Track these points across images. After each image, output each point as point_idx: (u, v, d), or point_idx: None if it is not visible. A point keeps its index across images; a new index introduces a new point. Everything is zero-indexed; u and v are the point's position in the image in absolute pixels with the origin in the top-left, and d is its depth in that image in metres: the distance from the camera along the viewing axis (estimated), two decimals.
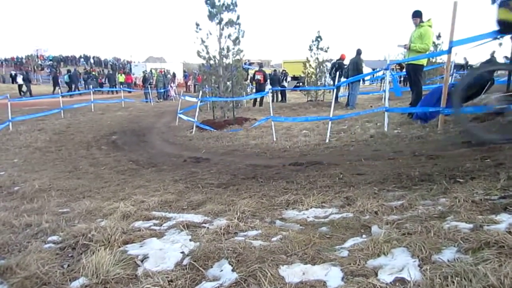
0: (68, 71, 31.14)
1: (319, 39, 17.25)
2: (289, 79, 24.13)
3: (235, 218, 2.90)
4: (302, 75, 22.31)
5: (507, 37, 5.51)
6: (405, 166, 4.32)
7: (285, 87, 21.14)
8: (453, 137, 5.70)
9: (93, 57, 56.39)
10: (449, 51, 6.22)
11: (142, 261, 2.20)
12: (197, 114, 12.09)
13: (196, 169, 5.99)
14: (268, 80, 19.14)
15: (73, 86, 28.74)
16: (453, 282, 1.44)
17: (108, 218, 3.24)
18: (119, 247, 2.41)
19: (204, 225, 2.88)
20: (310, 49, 17.57)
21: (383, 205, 2.85)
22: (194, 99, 13.17)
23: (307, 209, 3.12)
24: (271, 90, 12.76)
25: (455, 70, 15.80)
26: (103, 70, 39.58)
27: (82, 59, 53.97)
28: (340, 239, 2.33)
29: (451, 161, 4.15)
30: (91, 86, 24.80)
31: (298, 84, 25.76)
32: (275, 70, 24.56)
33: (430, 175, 3.59)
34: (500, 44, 6.52)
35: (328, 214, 2.92)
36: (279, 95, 20.91)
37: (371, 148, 6.11)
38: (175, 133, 11.65)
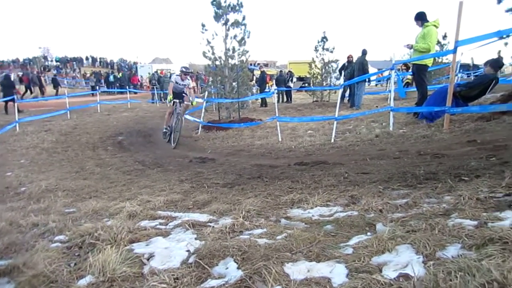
0: (111, 72, 38.31)
1: (324, 39, 17.27)
2: (294, 79, 24.13)
3: (240, 217, 2.92)
4: (308, 75, 22.31)
5: None
6: (410, 165, 4.31)
7: (291, 87, 21.14)
8: (459, 136, 5.68)
9: (100, 58, 56.75)
10: (454, 51, 6.18)
11: (148, 259, 2.22)
12: (202, 114, 12.12)
13: (201, 169, 6.02)
14: (274, 81, 19.17)
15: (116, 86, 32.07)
16: (457, 277, 1.44)
17: (114, 218, 3.27)
18: (125, 246, 2.43)
19: (209, 224, 2.91)
20: (316, 50, 17.60)
21: (387, 203, 2.85)
22: (200, 100, 13.20)
23: (312, 208, 3.13)
24: (276, 91, 12.73)
25: (461, 70, 15.66)
26: (110, 72, 40.36)
27: (87, 60, 54.43)
28: (345, 237, 2.33)
29: (456, 160, 4.14)
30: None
31: (303, 85, 25.76)
32: (281, 71, 24.58)
33: (435, 173, 3.59)
34: (506, 44, 6.49)
35: (333, 212, 2.93)
36: (285, 96, 20.91)
37: (376, 148, 6.09)
38: (180, 134, 11.67)
